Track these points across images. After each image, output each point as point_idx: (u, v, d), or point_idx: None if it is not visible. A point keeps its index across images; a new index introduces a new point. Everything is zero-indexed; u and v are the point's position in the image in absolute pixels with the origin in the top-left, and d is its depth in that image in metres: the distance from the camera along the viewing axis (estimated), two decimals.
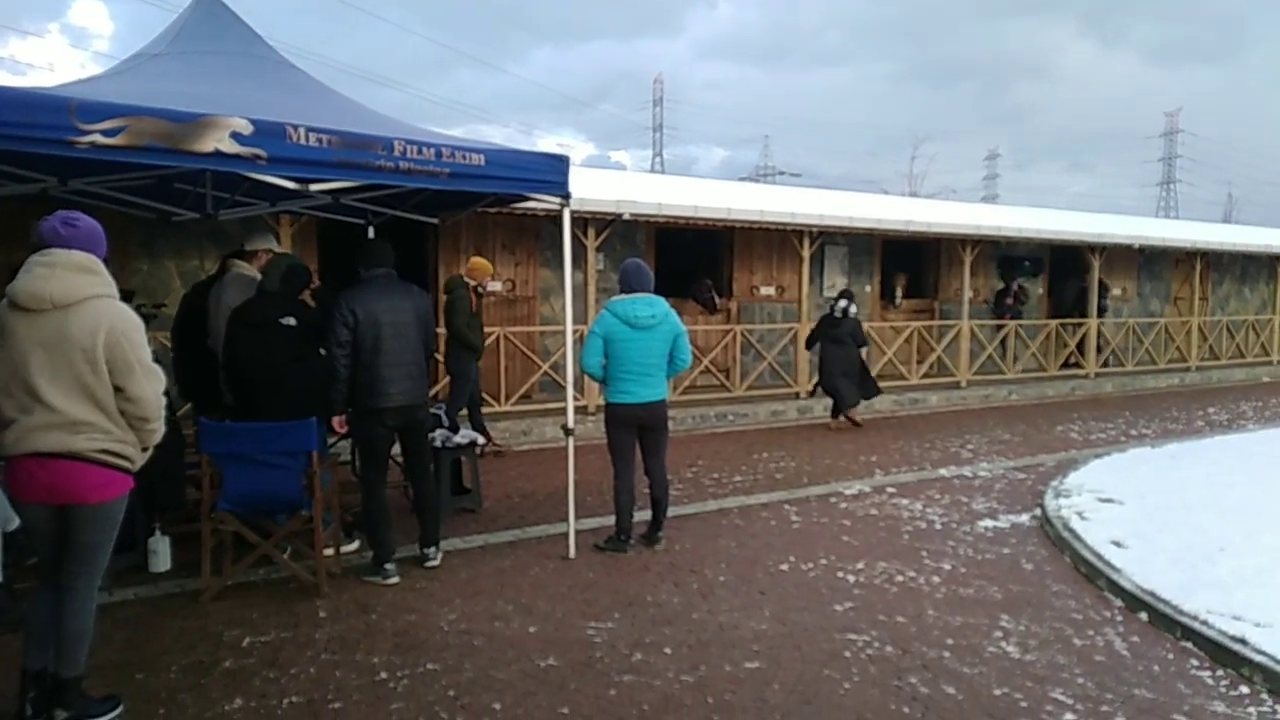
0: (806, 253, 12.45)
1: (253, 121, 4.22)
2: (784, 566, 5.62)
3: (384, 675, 3.98)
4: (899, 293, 15.04)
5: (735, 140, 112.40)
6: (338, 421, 5.26)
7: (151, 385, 3.42)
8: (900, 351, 13.88)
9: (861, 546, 6.10)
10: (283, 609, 4.76)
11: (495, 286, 11.39)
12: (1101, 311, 16.00)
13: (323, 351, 5.28)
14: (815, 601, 5.00)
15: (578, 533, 5.86)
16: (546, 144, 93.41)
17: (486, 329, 10.10)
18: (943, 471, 8.65)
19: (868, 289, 15.02)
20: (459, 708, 3.68)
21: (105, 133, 3.93)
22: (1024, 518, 6.92)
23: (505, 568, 5.52)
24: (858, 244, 14.58)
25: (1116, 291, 17.59)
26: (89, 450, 3.32)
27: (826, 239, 13.36)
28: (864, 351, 11.05)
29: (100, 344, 3.31)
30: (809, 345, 11.54)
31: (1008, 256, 16.03)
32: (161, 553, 5.27)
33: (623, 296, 5.80)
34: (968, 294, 14.38)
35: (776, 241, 13.30)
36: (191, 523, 5.42)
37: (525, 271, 11.70)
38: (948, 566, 5.68)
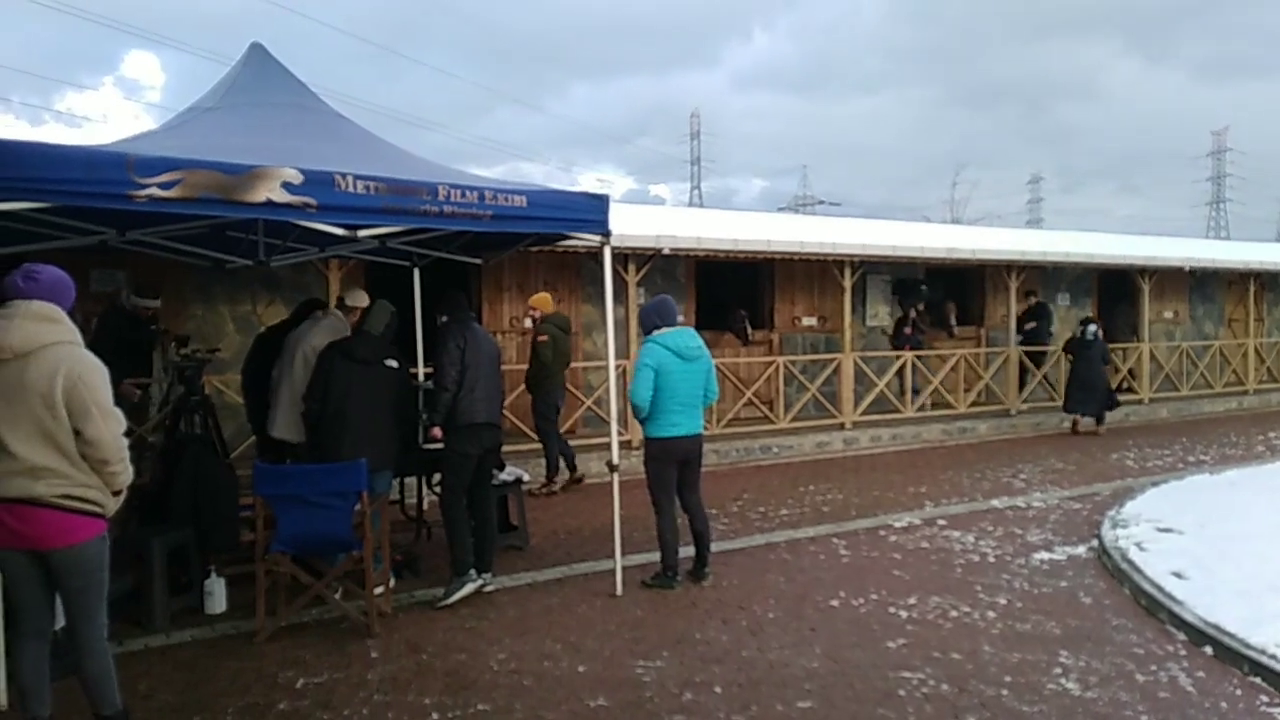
0: (848, 283, 12.38)
1: (302, 171, 4.35)
2: (834, 602, 5.54)
3: (435, 716, 3.98)
4: (953, 319, 14.83)
5: (774, 170, 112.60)
6: (434, 432, 5.92)
7: (109, 428, 3.40)
8: (947, 380, 13.69)
9: (913, 581, 5.99)
10: (335, 649, 4.81)
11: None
12: (1045, 338, 14.50)
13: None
14: (867, 638, 4.92)
15: (624, 569, 5.83)
16: (586, 179, 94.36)
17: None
18: (995, 502, 8.48)
19: (911, 316, 14.85)
20: None
21: (162, 185, 4.08)
22: (1080, 549, 6.75)
23: (553, 605, 5.52)
24: (901, 272, 14.47)
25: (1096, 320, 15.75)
26: (48, 495, 3.33)
27: (869, 268, 13.28)
28: (1108, 369, 13.28)
29: (59, 388, 3.32)
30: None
31: (903, 280, 14.04)
32: (217, 594, 5.36)
33: (666, 330, 5.85)
34: (1014, 320, 14.18)
35: (817, 271, 13.26)
36: (246, 564, 5.50)
37: (567, 308, 11.76)
38: (1003, 601, 5.56)
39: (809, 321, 13.78)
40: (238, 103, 5.50)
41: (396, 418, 5.79)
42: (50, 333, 3.40)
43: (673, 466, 5.87)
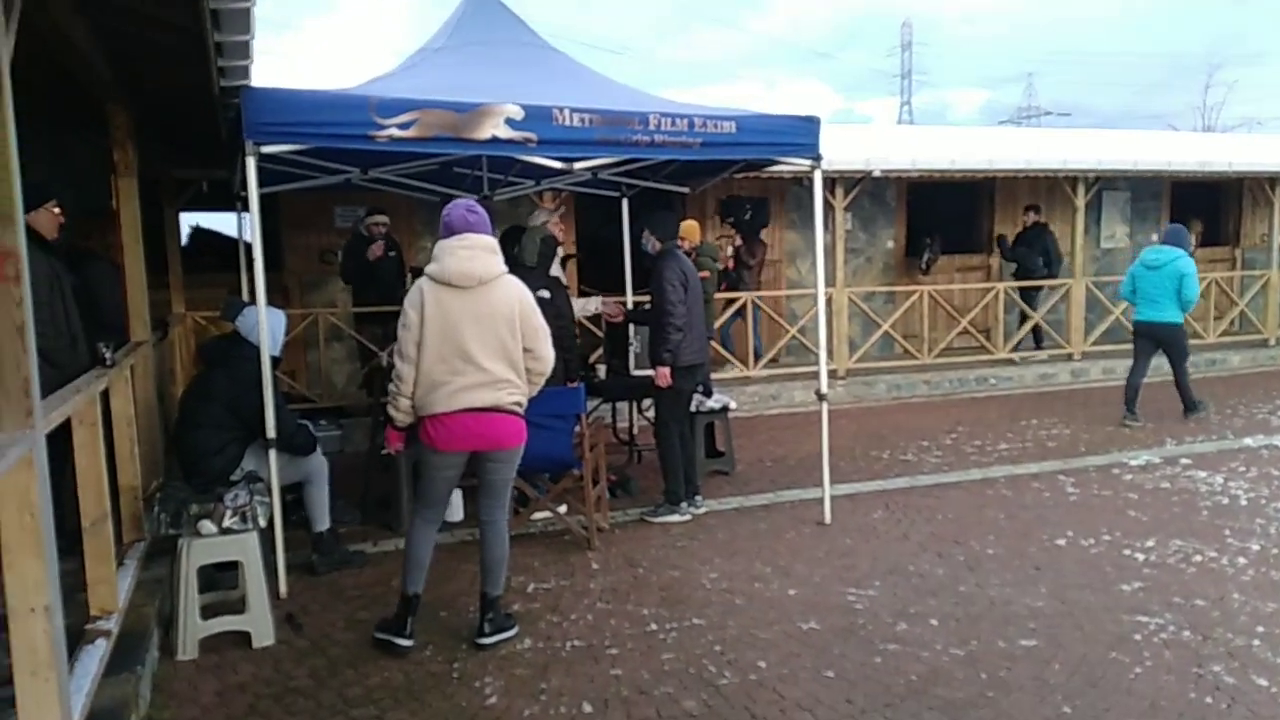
0: (1081, 201, 11.40)
1: (524, 107, 4.52)
2: (1060, 541, 5.27)
3: (654, 627, 4.19)
4: (1194, 240, 13.34)
5: (995, 80, 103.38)
6: (664, 374, 5.64)
7: (550, 347, 4.02)
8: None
9: (1151, 522, 5.58)
10: (559, 559, 5.13)
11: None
12: (1036, 268, 11.31)
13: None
14: (1098, 580, 4.66)
15: (833, 498, 5.81)
16: (788, 92, 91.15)
17: (734, 294, 10.19)
18: (1248, 441, 7.70)
19: (1154, 238, 13.50)
20: (726, 663, 3.81)
21: (400, 126, 4.39)
22: None
23: (761, 530, 5.60)
24: (1142, 188, 13.15)
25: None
26: (508, 404, 3.91)
27: (1105, 184, 12.14)
28: None
29: (516, 313, 3.89)
30: None
31: (733, 198, 10.70)
32: (455, 504, 5.80)
33: (1149, 247, 8.76)
34: (1278, 240, 12.57)
35: (1044, 188, 12.27)
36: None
37: (771, 235, 11.61)
38: (1256, 547, 5.07)
39: None
40: (463, 42, 5.76)
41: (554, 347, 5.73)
42: (500, 263, 3.95)
43: (1140, 340, 8.46)
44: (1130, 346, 8.77)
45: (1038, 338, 11.64)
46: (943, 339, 11.20)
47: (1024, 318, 11.53)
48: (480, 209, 3.99)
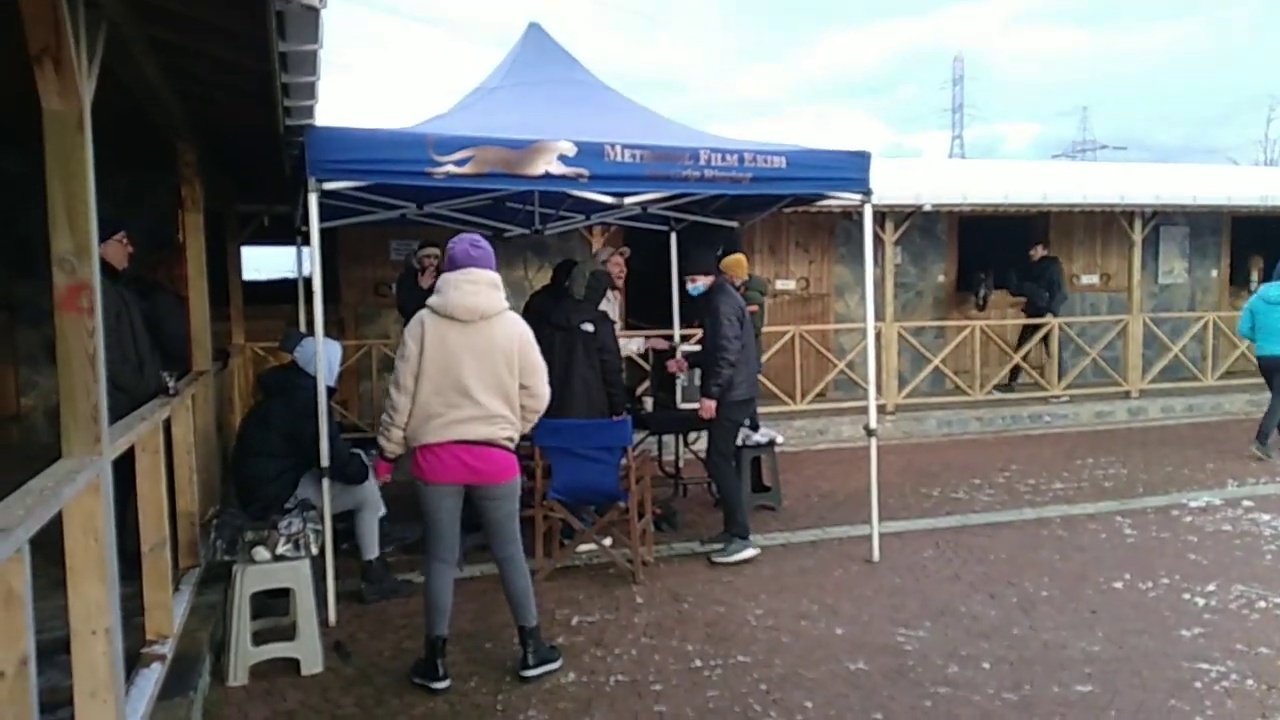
0: (1138, 236, 11.19)
1: (576, 143, 4.60)
2: (1117, 584, 5.13)
3: (698, 663, 4.16)
4: (1256, 277, 13.03)
5: (1048, 114, 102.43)
6: (709, 407, 5.60)
7: (546, 385, 4.01)
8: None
9: (1212, 566, 5.41)
10: (604, 592, 5.13)
11: (789, 285, 11.43)
12: (1041, 302, 10.99)
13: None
14: (1157, 625, 4.52)
15: (881, 536, 5.73)
16: (839, 126, 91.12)
17: (781, 327, 10.17)
18: None
19: (1213, 274, 13.22)
20: (771, 702, 3.76)
21: (457, 163, 4.49)
22: None
23: (808, 567, 5.54)
24: (1201, 224, 12.87)
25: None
26: (500, 438, 3.89)
27: (1163, 219, 11.92)
28: None
29: (515, 349, 3.89)
30: None
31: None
32: None
33: (1268, 284, 8.48)
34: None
35: (1100, 223, 12.09)
36: (524, 509, 5.94)
37: (819, 269, 11.60)
38: None
39: (1089, 279, 12.62)
40: (519, 81, 5.89)
41: (597, 380, 5.71)
42: (502, 299, 3.95)
43: (1268, 375, 8.35)
44: (1185, 384, 8.54)
45: (1014, 374, 11.22)
46: (995, 375, 11.02)
47: (1079, 353, 11.29)
48: (485, 244, 3.98)
